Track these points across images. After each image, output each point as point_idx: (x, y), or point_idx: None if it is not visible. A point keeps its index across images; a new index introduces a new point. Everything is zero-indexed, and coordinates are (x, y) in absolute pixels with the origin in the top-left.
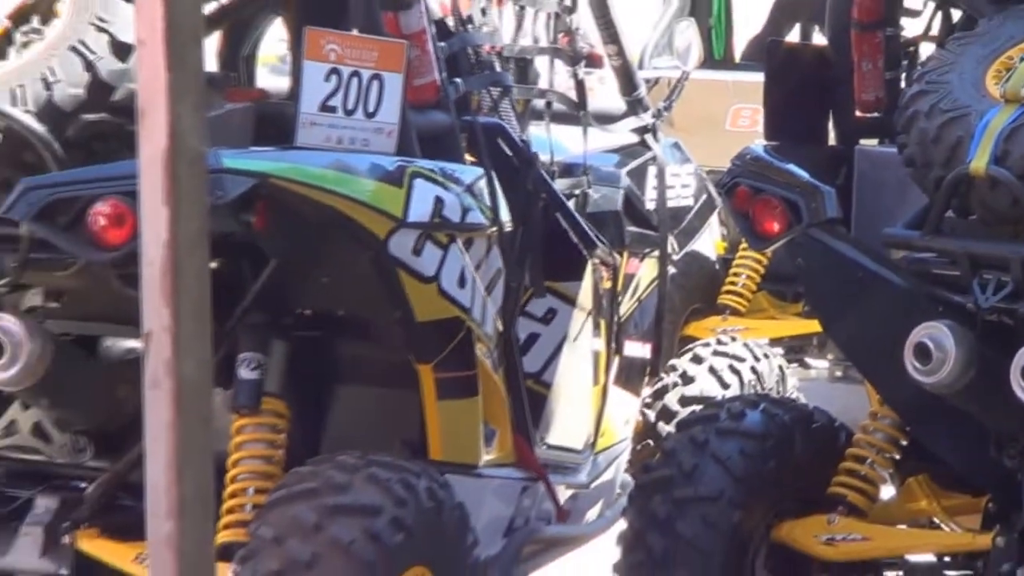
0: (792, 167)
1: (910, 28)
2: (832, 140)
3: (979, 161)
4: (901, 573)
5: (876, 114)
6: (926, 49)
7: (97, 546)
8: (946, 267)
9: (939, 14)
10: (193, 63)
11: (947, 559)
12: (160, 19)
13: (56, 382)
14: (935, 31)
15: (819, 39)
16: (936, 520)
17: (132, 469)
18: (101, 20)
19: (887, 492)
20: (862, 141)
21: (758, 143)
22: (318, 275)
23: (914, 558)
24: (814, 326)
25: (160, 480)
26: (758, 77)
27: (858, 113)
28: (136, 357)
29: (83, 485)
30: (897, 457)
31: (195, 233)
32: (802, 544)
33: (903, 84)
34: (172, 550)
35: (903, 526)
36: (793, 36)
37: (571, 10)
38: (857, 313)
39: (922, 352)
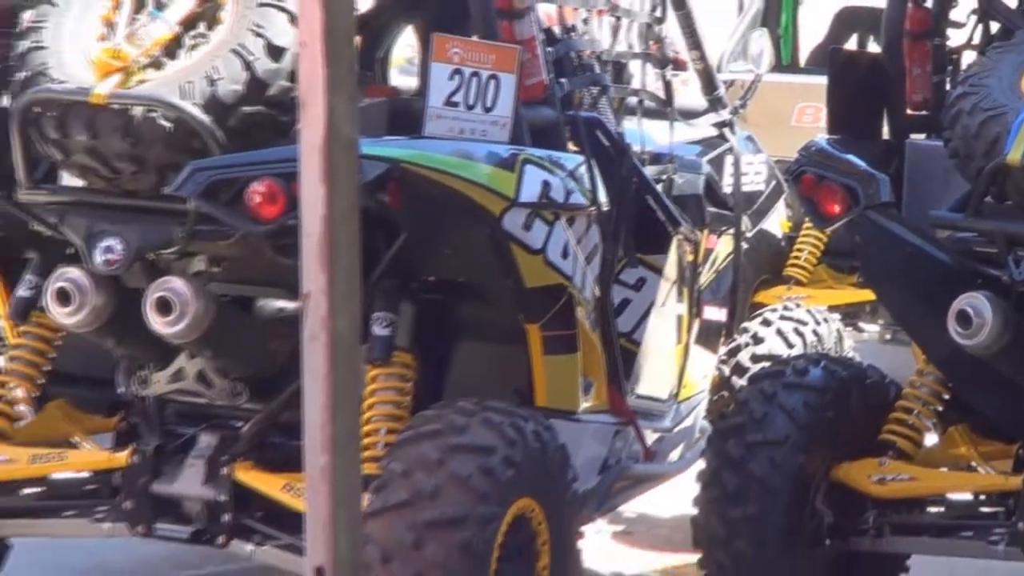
0: (851, 157)
1: (955, 38)
2: (886, 135)
3: (1015, 153)
4: (942, 508)
5: (924, 112)
6: (968, 56)
7: (251, 476)
8: (985, 245)
9: (980, 26)
10: (347, 61)
11: (982, 497)
12: (319, 24)
13: (217, 336)
14: (976, 41)
15: (874, 47)
16: (973, 464)
17: (282, 411)
18: (258, 27)
19: (931, 439)
20: (912, 136)
21: (821, 137)
22: (441, 247)
23: (954, 496)
24: (868, 295)
25: (316, 421)
26: (821, 80)
27: (909, 111)
28: (286, 315)
29: (239, 424)
30: (940, 409)
31: (348, 208)
32: (857, 483)
33: (948, 86)
34: (326, 482)
35: (945, 468)
36: (851, 44)
37: (660, 21)
38: (906, 284)
39: (963, 318)
